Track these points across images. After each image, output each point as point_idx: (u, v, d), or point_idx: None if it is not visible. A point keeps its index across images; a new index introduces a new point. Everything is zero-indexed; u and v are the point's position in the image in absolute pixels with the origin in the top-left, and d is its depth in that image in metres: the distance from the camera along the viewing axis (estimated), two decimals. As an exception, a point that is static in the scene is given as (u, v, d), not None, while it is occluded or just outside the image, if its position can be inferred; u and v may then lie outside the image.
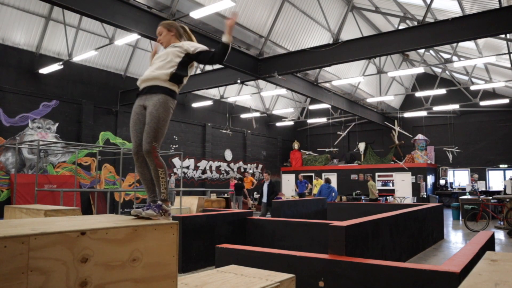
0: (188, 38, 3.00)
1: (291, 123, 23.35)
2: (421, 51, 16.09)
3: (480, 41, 13.64)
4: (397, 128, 21.62)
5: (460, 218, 13.25)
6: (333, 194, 12.94)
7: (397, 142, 22.00)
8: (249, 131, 22.07)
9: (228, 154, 20.91)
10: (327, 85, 15.74)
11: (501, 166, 19.48)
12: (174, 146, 17.85)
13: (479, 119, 20.15)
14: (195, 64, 2.89)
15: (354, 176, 21.95)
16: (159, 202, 2.57)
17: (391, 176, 21.04)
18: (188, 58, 2.77)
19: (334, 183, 22.59)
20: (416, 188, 19.95)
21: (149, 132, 2.56)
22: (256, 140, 22.88)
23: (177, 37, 2.93)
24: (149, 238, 2.10)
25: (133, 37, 9.92)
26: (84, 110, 14.44)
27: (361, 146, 23.11)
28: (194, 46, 2.79)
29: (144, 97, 2.67)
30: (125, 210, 14.76)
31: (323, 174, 23.08)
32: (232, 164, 21.06)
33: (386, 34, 10.23)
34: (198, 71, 15.97)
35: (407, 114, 20.37)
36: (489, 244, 4.72)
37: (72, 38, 13.13)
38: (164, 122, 2.60)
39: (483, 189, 19.14)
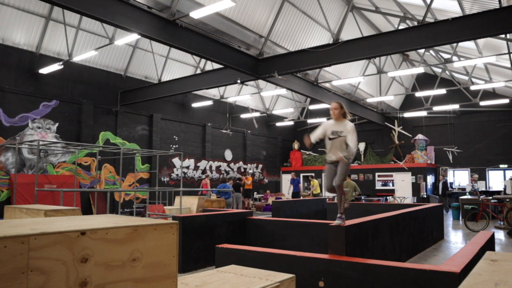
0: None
1: (291, 123, 23.35)
2: (421, 51, 16.09)
3: (480, 41, 13.63)
4: (397, 128, 21.62)
5: (460, 218, 13.25)
6: None
7: (397, 142, 22.00)
8: (249, 131, 22.07)
9: (228, 154, 20.91)
10: (327, 85, 15.74)
11: (501, 166, 19.48)
12: (174, 146, 17.85)
13: (479, 119, 20.14)
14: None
15: (354, 176, 21.95)
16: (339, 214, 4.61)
17: (391, 176, 21.04)
18: None
19: (334, 183, 22.61)
20: (416, 188, 19.95)
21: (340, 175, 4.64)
22: (256, 140, 22.88)
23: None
24: (149, 238, 2.10)
25: (133, 37, 9.92)
26: (84, 110, 14.44)
27: (361, 146, 23.10)
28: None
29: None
30: (125, 210, 14.76)
31: (323, 174, 23.09)
32: (232, 164, 21.06)
33: (386, 34, 10.23)
34: (198, 71, 15.98)
35: (407, 114, 20.37)
36: (489, 244, 4.72)
37: (72, 38, 13.13)
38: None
39: (483, 189, 19.13)
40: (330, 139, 4.77)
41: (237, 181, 15.73)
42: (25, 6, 12.41)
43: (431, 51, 16.52)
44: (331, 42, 11.04)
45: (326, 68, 14.74)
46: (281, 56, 11.93)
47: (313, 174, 22.97)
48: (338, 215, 4.58)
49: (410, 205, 9.62)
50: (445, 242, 8.84)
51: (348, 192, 13.31)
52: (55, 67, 12.56)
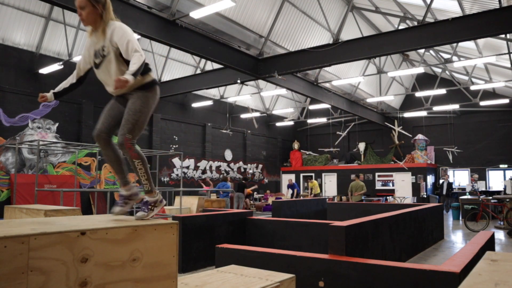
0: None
1: (291, 123, 23.35)
2: (421, 51, 16.08)
3: (480, 41, 13.63)
4: (397, 128, 21.61)
5: (460, 218, 13.25)
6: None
7: (397, 142, 22.00)
8: (249, 131, 22.06)
9: (228, 154, 20.91)
10: (327, 85, 15.74)
11: (501, 166, 19.48)
12: (174, 146, 17.84)
13: (479, 119, 20.14)
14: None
15: (354, 176, 21.96)
16: (145, 198, 2.57)
17: (391, 176, 21.04)
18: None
19: (334, 183, 22.64)
20: (416, 188, 19.95)
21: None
22: (256, 140, 22.87)
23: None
24: (149, 238, 2.10)
25: (133, 37, 9.90)
26: (84, 110, 14.44)
27: (361, 146, 23.11)
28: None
29: None
30: (125, 210, 14.76)
31: (323, 174, 23.10)
32: (232, 164, 21.06)
33: (386, 34, 10.23)
34: (198, 71, 15.98)
35: (407, 114, 20.37)
36: (489, 244, 4.72)
37: (72, 38, 13.13)
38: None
39: (483, 189, 19.13)
40: (96, 66, 2.63)
41: (242, 181, 15.75)
42: (25, 6, 12.41)
43: (431, 51, 16.52)
44: (331, 42, 11.04)
45: (326, 68, 14.73)
46: (281, 56, 11.93)
47: (313, 175, 22.99)
48: (124, 199, 2.74)
49: (410, 205, 9.62)
50: (445, 242, 8.84)
51: (357, 191, 13.40)
52: (55, 67, 12.56)
